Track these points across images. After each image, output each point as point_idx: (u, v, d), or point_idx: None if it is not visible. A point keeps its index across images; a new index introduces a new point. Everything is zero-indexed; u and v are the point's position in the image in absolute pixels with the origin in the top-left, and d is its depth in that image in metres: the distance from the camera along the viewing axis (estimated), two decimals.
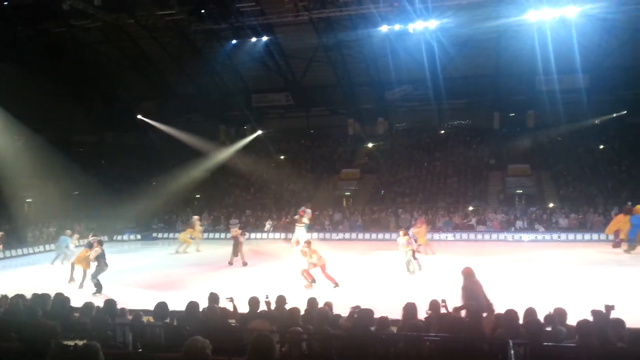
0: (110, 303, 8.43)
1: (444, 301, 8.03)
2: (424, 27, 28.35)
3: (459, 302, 8.67)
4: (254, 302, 8.07)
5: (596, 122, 35.28)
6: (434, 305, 7.77)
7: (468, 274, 9.69)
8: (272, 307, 8.28)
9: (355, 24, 30.82)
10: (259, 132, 40.07)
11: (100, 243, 15.57)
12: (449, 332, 6.44)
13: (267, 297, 8.31)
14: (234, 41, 32.54)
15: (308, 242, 15.49)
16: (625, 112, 34.69)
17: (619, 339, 6.47)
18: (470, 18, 27.87)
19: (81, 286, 15.20)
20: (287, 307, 8.02)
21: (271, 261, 20.56)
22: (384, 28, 29.22)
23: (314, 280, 14.90)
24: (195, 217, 25.77)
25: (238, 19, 29.00)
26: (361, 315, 6.95)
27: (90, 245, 15.79)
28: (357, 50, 33.98)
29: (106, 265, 15.05)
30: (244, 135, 39.86)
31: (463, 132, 38.54)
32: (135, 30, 32.33)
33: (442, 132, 39.09)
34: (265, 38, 32.18)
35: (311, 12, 27.94)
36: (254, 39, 32.09)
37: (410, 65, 33.22)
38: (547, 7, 26.28)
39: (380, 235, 27.30)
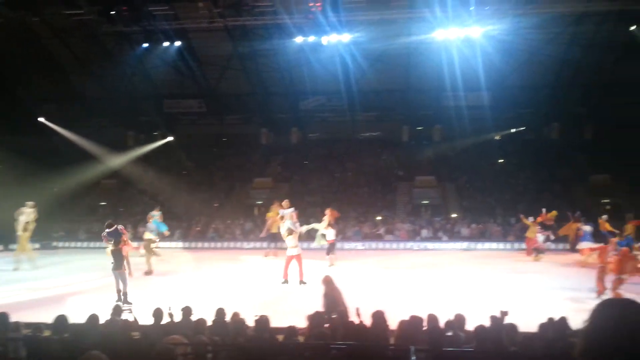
0: (2, 317, 7.92)
1: (357, 309, 8.20)
2: (337, 40, 28.97)
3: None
4: (158, 314, 7.87)
5: (497, 137, 37.49)
6: (341, 313, 7.91)
7: (328, 282, 10.08)
8: (178, 318, 8.11)
9: (271, 33, 30.92)
10: (170, 138, 39.11)
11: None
12: (354, 340, 6.57)
13: (169, 309, 8.13)
14: (146, 44, 31.63)
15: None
16: (524, 128, 37.12)
17: (512, 343, 6.87)
18: (382, 34, 28.77)
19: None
20: (193, 318, 7.90)
21: (178, 271, 20.07)
22: (298, 39, 29.52)
23: (286, 281, 16.07)
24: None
25: (150, 22, 28.30)
26: (258, 324, 6.99)
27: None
28: (272, 59, 34.02)
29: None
30: (154, 142, 38.75)
31: (374, 144, 39.52)
32: (40, 28, 30.74)
33: (354, 143, 39.86)
34: (178, 43, 31.52)
35: (226, 19, 27.79)
36: (166, 43, 31.34)
37: (325, 76, 33.75)
38: (453, 27, 27.61)
39: None
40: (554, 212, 23.11)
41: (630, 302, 2.05)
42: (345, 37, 28.86)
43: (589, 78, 33.32)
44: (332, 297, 9.62)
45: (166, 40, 30.84)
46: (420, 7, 26.58)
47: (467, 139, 35.52)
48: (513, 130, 37.14)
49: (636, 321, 1.91)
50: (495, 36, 28.30)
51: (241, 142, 40.44)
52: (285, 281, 16.18)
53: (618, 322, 1.91)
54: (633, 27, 28.71)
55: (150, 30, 29.54)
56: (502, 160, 36.53)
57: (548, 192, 31.45)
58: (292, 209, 17.57)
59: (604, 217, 21.03)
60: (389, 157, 37.66)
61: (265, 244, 23.97)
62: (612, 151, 31.85)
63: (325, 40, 28.89)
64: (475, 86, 32.46)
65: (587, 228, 21.20)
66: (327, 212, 21.13)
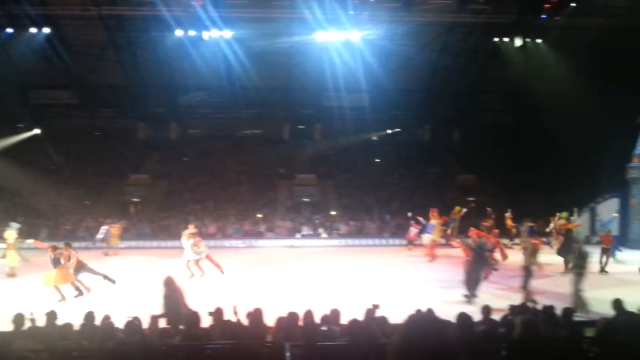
0: None
1: (234, 308, 8.15)
2: (219, 35, 28.56)
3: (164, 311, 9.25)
4: (19, 319, 7.31)
5: (374, 137, 39.00)
6: (217, 313, 7.84)
7: (168, 283, 9.97)
8: (42, 323, 7.61)
9: (149, 25, 29.76)
10: (37, 131, 36.30)
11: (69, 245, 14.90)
12: (231, 339, 6.55)
13: (31, 314, 7.63)
14: (10, 30, 29.09)
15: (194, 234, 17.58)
16: (399, 130, 38.94)
17: (383, 334, 7.19)
18: (264, 32, 28.80)
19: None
20: (59, 322, 7.45)
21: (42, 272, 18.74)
22: (178, 32, 28.72)
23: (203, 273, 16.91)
24: None
25: (15, 6, 26.17)
26: (128, 326, 6.79)
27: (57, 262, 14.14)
28: (150, 52, 32.76)
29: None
30: (18, 134, 35.76)
31: (255, 141, 39.43)
32: None
33: (235, 140, 39.52)
34: (47, 30, 29.33)
35: (100, 7, 26.40)
36: (34, 30, 29.04)
37: (206, 72, 32.96)
38: (333, 30, 28.30)
39: (170, 243, 26.55)
40: (458, 208, 24.22)
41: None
42: (227, 34, 28.54)
43: (457, 84, 35.71)
44: (172, 298, 9.49)
45: (33, 26, 28.61)
46: (301, 8, 26.91)
47: (347, 138, 36.56)
48: (389, 131, 38.87)
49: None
50: (373, 41, 29.41)
51: (116, 136, 38.50)
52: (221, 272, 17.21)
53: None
54: (496, 39, 31.21)
55: (15, 15, 27.26)
56: (378, 160, 38.02)
57: (420, 191, 33.24)
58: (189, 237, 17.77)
59: (508, 214, 22.43)
60: (270, 154, 37.74)
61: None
62: (477, 153, 34.34)
63: (206, 35, 28.37)
64: (354, 88, 33.49)
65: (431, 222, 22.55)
66: (190, 227, 20.60)
